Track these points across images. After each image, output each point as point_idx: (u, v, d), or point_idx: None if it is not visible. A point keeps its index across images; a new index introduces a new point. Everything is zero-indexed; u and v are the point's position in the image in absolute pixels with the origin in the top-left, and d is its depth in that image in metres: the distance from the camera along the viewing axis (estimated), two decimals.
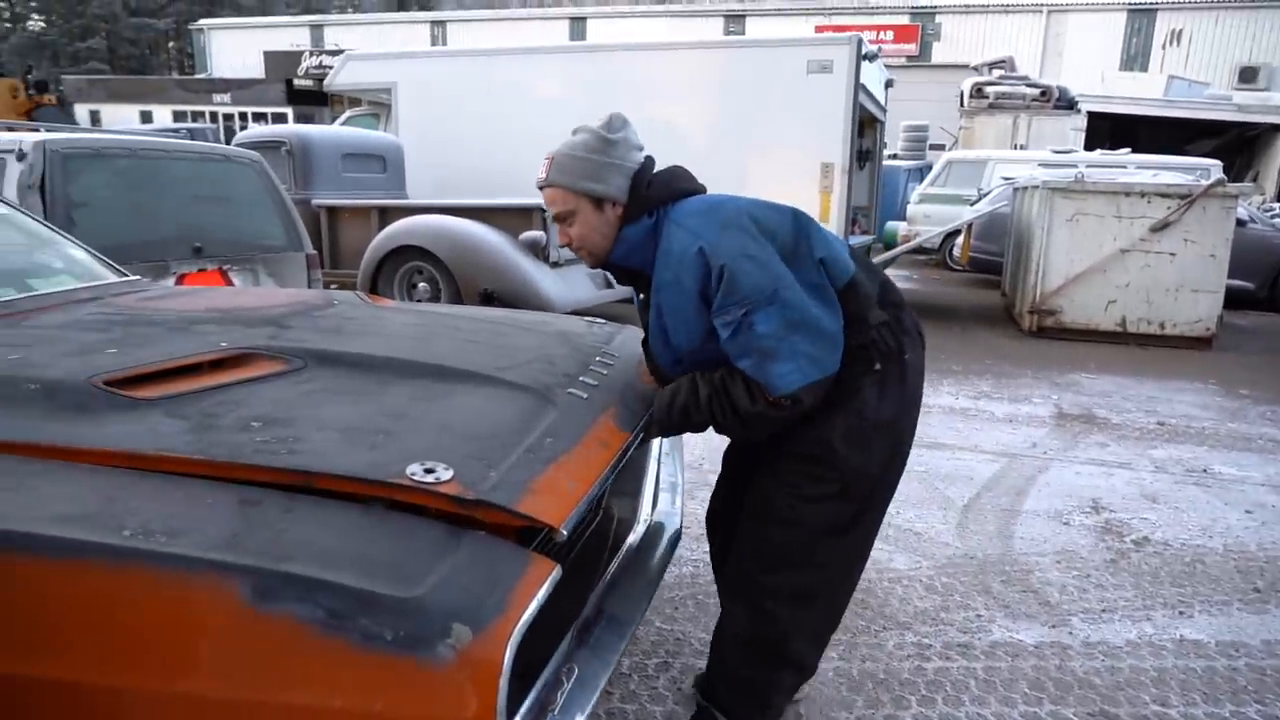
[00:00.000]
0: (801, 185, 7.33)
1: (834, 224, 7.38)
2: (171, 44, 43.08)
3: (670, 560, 2.10)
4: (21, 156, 3.69)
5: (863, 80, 7.37)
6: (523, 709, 1.25)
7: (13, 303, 2.17)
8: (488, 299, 6.28)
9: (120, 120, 22.58)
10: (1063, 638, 2.65)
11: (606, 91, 7.65)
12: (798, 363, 1.63)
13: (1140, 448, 4.58)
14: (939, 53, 24.54)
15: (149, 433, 1.37)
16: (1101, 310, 7.50)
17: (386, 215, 7.01)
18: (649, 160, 1.86)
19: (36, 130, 4.54)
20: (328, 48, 26.52)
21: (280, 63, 24.72)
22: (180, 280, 4.09)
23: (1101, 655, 2.55)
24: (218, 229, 4.44)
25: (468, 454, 1.37)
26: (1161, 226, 7.19)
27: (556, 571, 1.20)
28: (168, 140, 4.85)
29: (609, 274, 1.95)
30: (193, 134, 12.64)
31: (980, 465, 4.22)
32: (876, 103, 8.49)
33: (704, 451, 3.96)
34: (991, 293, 10.33)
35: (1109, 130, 15.75)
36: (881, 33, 24.04)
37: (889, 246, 9.81)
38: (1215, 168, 10.80)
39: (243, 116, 23.01)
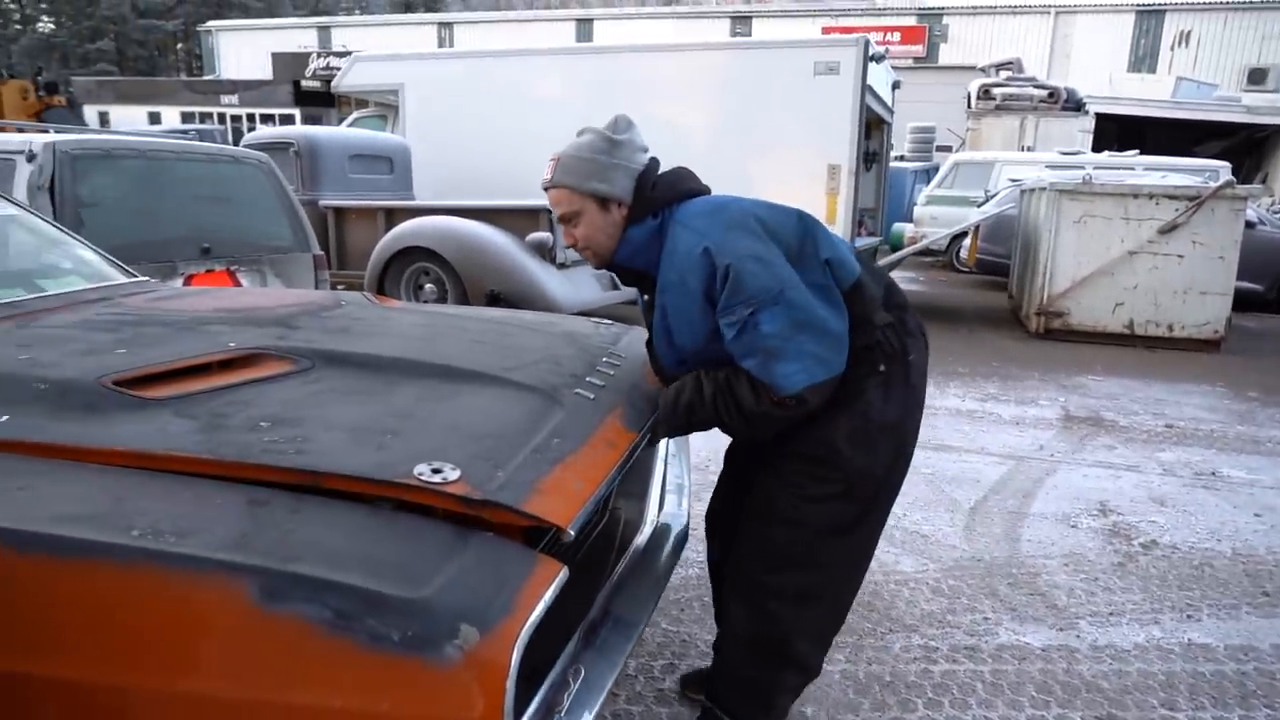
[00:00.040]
0: (808, 187, 7.32)
1: (841, 226, 7.38)
2: (180, 46, 43.31)
3: (677, 562, 2.10)
4: (31, 157, 3.71)
5: (870, 82, 7.36)
6: (529, 710, 1.25)
7: (23, 303, 2.18)
8: (494, 300, 6.29)
9: (129, 121, 22.65)
10: (1070, 641, 2.64)
11: (613, 93, 7.66)
12: (803, 363, 1.63)
13: (1148, 450, 4.56)
14: (946, 54, 24.51)
15: (158, 433, 1.37)
16: (1109, 312, 7.48)
17: (393, 216, 7.03)
18: (654, 161, 1.86)
19: (46, 131, 4.56)
20: (335, 49, 26.61)
21: (288, 64, 24.78)
22: (188, 281, 4.10)
23: (1109, 659, 2.54)
24: (225, 230, 4.45)
25: (475, 454, 1.37)
26: (1170, 228, 7.16)
27: (564, 573, 1.20)
28: (176, 141, 4.87)
29: (614, 275, 1.95)
30: (201, 135, 12.68)
31: (987, 467, 4.21)
32: (883, 104, 8.48)
33: (710, 454, 3.95)
34: (998, 295, 10.30)
35: (1117, 132, 15.68)
36: (888, 34, 24.02)
37: (896, 248, 9.81)
38: (1224, 169, 10.75)
39: (250, 118, 23.05)
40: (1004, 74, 17.40)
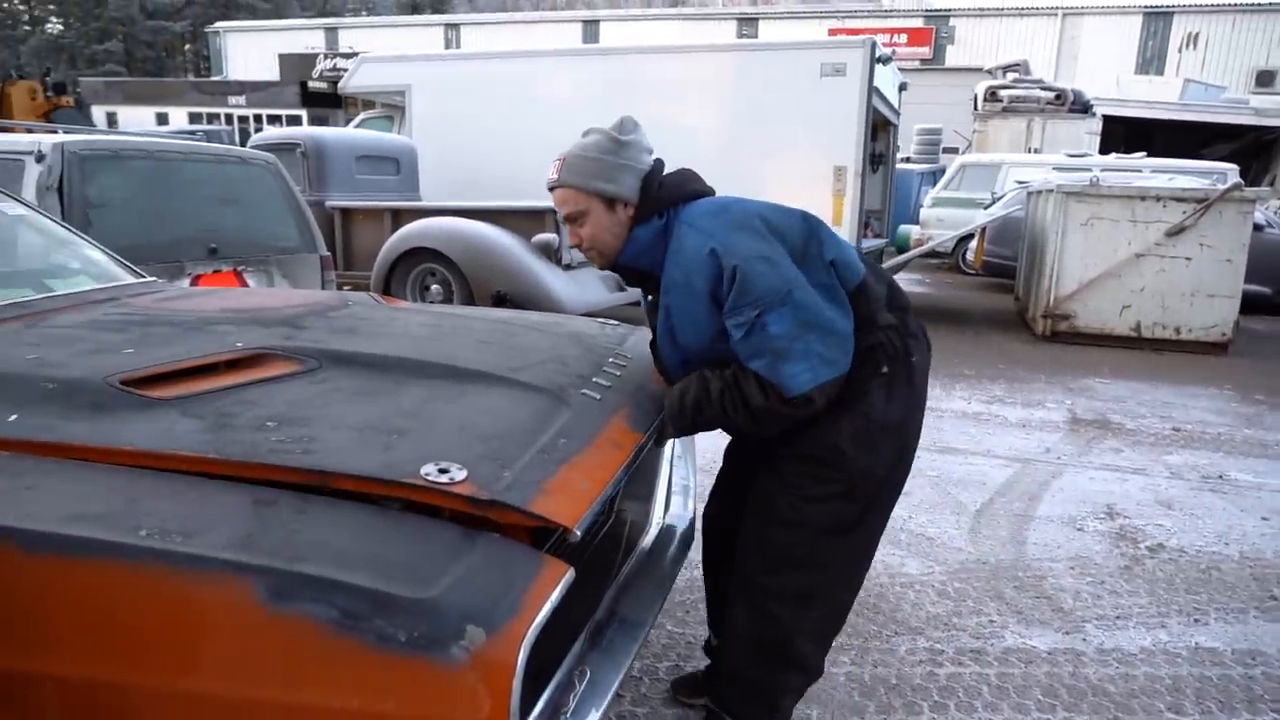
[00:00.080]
0: (814, 188, 7.32)
1: (847, 227, 7.36)
2: (187, 47, 43.46)
3: (682, 563, 2.10)
4: (40, 158, 3.73)
5: (876, 83, 7.36)
6: (535, 711, 1.26)
7: (31, 303, 2.19)
8: (500, 301, 6.30)
9: (136, 122, 22.74)
10: (1076, 644, 2.63)
11: (619, 94, 7.67)
12: (810, 363, 1.64)
13: (1155, 453, 4.54)
14: (953, 56, 24.47)
15: (165, 432, 1.38)
16: (1116, 315, 7.45)
17: (400, 217, 7.05)
18: (659, 163, 1.87)
19: (54, 132, 4.58)
20: (342, 50, 26.69)
21: (295, 65, 24.86)
22: (195, 281, 4.12)
23: (1116, 662, 2.53)
24: (233, 230, 4.47)
25: (482, 454, 1.37)
26: (1177, 231, 7.14)
27: (570, 573, 1.20)
28: (184, 142, 4.88)
29: (619, 276, 1.95)
30: (208, 136, 12.72)
31: (993, 470, 4.19)
32: (890, 106, 8.47)
33: (715, 455, 3.94)
34: (1005, 297, 10.28)
35: (1124, 134, 15.64)
36: (895, 36, 24.01)
37: (902, 250, 9.79)
38: (1232, 172, 10.71)
39: (258, 119, 23.14)
40: (1011, 76, 17.38)
